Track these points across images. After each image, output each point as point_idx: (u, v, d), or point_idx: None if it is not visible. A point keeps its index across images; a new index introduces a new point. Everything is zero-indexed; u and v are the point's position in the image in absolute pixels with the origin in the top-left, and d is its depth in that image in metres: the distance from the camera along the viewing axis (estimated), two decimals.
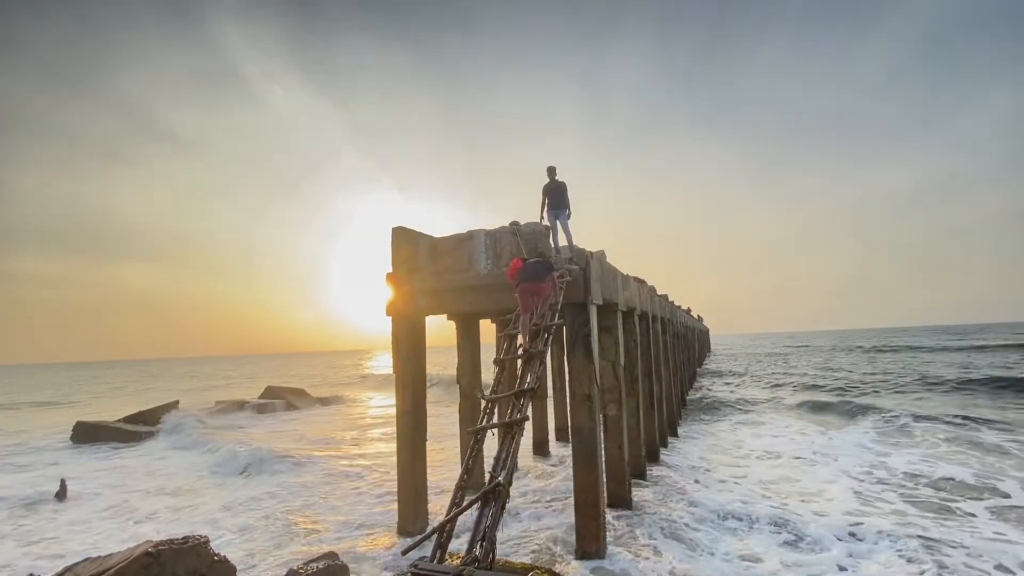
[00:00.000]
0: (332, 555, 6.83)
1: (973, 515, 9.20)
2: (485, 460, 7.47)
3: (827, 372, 37.30)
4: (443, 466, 13.20)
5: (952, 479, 11.26)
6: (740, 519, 9.01)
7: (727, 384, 32.78)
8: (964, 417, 17.23)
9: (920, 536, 8.01)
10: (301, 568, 6.15)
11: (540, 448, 14.43)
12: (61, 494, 12.25)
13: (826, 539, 8.01)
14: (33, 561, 8.53)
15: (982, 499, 9.90)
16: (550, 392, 16.02)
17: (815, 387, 28.77)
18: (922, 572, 6.94)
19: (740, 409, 22.35)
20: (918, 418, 17.40)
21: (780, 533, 8.40)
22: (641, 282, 12.60)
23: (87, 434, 20.69)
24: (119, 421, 23.12)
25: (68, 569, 5.97)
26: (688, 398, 24.49)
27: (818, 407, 22.09)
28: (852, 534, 8.24)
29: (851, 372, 36.77)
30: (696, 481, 11.53)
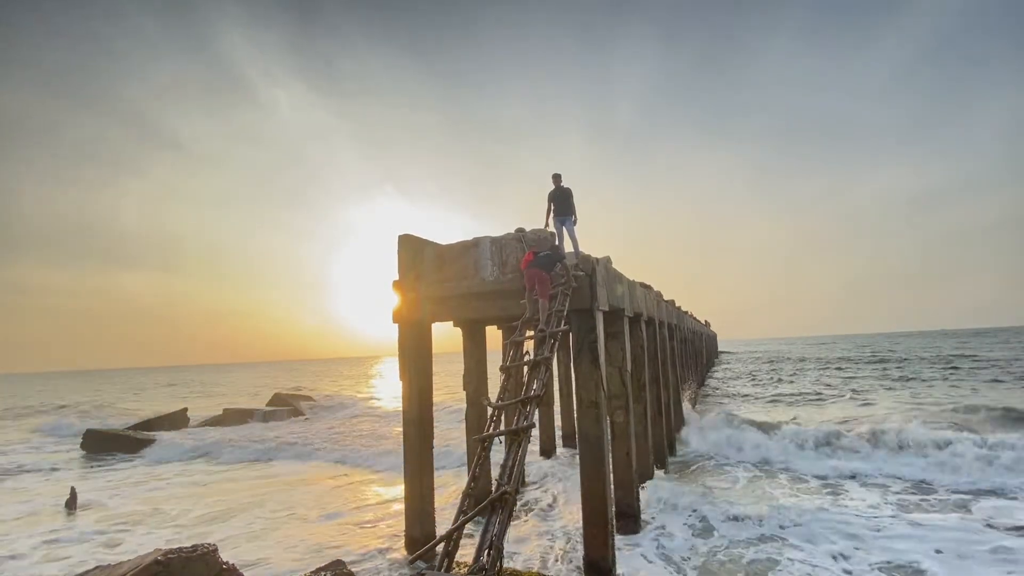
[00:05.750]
0: (339, 563, 6.84)
1: None
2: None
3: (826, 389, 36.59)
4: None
5: None
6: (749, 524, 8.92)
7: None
8: None
9: None
10: None
11: (547, 455, 14.39)
12: (71, 502, 12.33)
13: None
14: (44, 571, 8.59)
15: None
16: (557, 399, 15.98)
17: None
18: None
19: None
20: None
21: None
22: (647, 287, 12.56)
23: (97, 442, 20.84)
24: (128, 429, 23.30)
25: None
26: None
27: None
28: None
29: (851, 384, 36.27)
30: (704, 487, 11.46)
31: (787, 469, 12.90)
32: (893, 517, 9.35)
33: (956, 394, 25.28)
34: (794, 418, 20.14)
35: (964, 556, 7.57)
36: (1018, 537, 8.22)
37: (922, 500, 10.37)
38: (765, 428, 15.38)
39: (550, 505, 10.58)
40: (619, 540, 7.85)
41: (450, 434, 16.27)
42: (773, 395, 28.53)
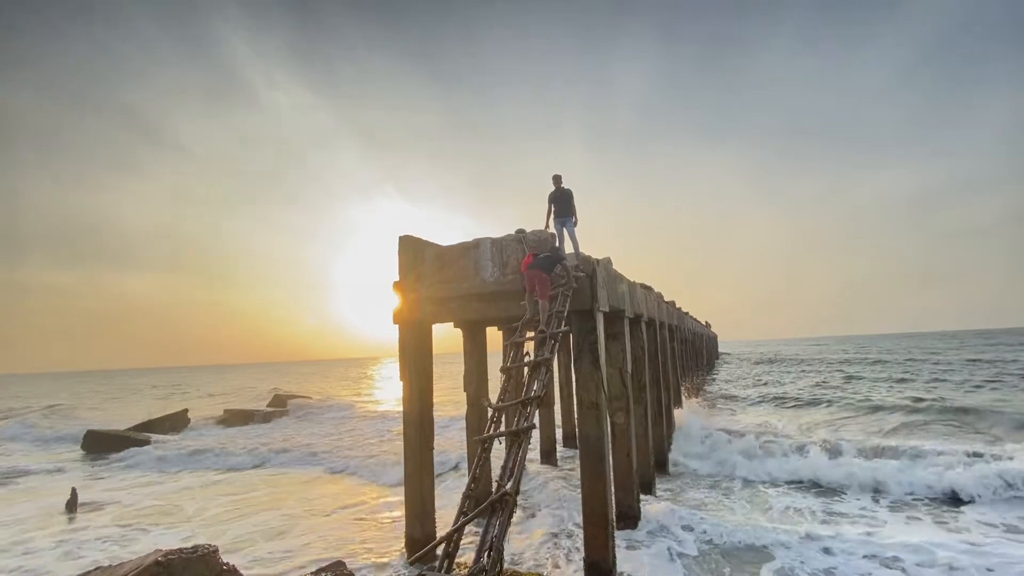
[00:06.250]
0: (340, 564, 6.84)
1: None
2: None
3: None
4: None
5: None
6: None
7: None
8: None
9: None
10: None
11: (547, 456, 14.37)
12: (72, 503, 12.33)
13: None
14: (54, 569, 8.59)
15: None
16: (557, 400, 15.97)
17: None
18: None
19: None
20: None
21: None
22: (648, 288, 12.56)
23: (98, 443, 20.86)
24: (129, 430, 23.31)
25: None
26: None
27: None
28: None
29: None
30: (709, 486, 11.49)
31: (782, 473, 12.85)
32: (882, 517, 9.73)
33: (954, 397, 25.25)
34: (799, 424, 20.18)
35: (942, 552, 7.76)
36: (995, 539, 8.44)
37: (914, 500, 10.54)
38: (762, 431, 15.40)
39: (550, 506, 10.57)
40: (617, 537, 7.86)
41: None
42: (774, 396, 28.46)
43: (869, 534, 8.66)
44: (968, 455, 11.96)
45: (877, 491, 11.17)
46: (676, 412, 16.35)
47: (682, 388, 19.80)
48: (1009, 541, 8.29)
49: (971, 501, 10.29)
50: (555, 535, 8.96)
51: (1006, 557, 7.55)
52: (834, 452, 13.27)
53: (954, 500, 10.43)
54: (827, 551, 7.95)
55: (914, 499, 10.58)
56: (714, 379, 40.54)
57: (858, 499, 10.75)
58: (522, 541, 8.74)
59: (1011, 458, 11.50)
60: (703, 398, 27.07)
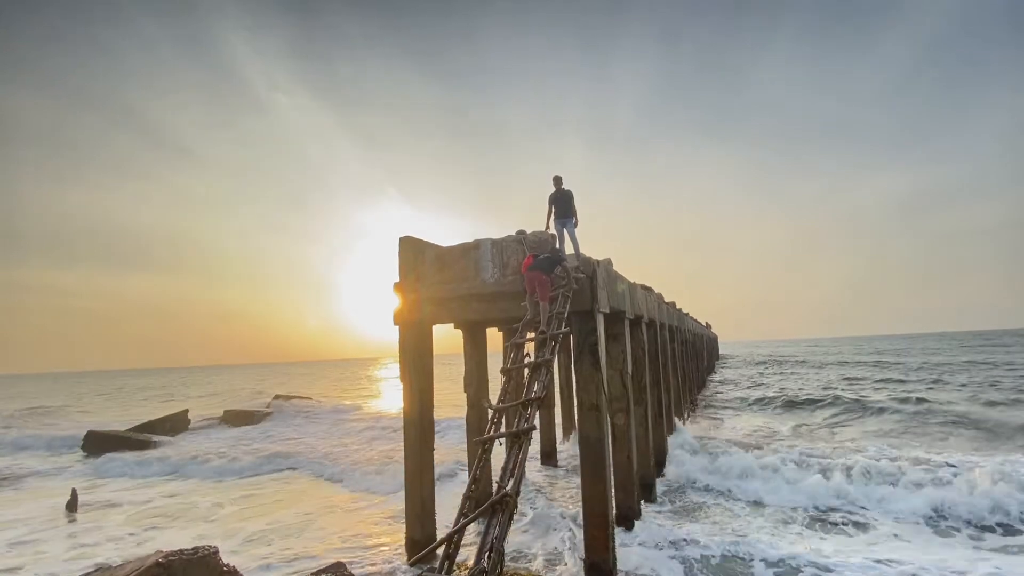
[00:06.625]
0: (340, 565, 6.83)
1: None
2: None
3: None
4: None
5: None
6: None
7: None
8: None
9: None
10: None
11: (548, 457, 14.37)
12: (72, 504, 12.34)
13: None
14: (49, 571, 8.59)
15: None
16: (557, 401, 15.97)
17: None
18: None
19: None
20: None
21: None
22: (648, 289, 12.57)
23: (98, 443, 20.85)
24: (130, 431, 23.30)
25: None
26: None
27: None
28: None
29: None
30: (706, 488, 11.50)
31: (781, 479, 12.73)
32: (878, 521, 9.79)
33: (954, 399, 25.24)
34: (799, 425, 20.14)
35: (938, 556, 7.83)
36: (991, 543, 8.54)
37: (911, 504, 10.46)
38: (762, 436, 15.32)
39: (550, 507, 10.57)
40: (617, 537, 7.87)
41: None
42: (773, 397, 28.43)
43: (864, 539, 8.68)
44: (966, 460, 11.92)
45: (873, 497, 11.14)
46: (676, 417, 16.30)
47: (683, 402, 19.64)
48: (1006, 546, 8.28)
49: (967, 506, 10.26)
50: (555, 535, 8.96)
51: (1003, 561, 7.55)
52: (831, 458, 13.14)
53: (951, 506, 10.39)
54: (822, 554, 7.97)
55: (911, 503, 10.50)
56: (714, 380, 40.54)
57: (854, 504, 10.69)
58: (522, 541, 8.73)
59: (1007, 463, 11.47)
60: (703, 400, 27.06)
